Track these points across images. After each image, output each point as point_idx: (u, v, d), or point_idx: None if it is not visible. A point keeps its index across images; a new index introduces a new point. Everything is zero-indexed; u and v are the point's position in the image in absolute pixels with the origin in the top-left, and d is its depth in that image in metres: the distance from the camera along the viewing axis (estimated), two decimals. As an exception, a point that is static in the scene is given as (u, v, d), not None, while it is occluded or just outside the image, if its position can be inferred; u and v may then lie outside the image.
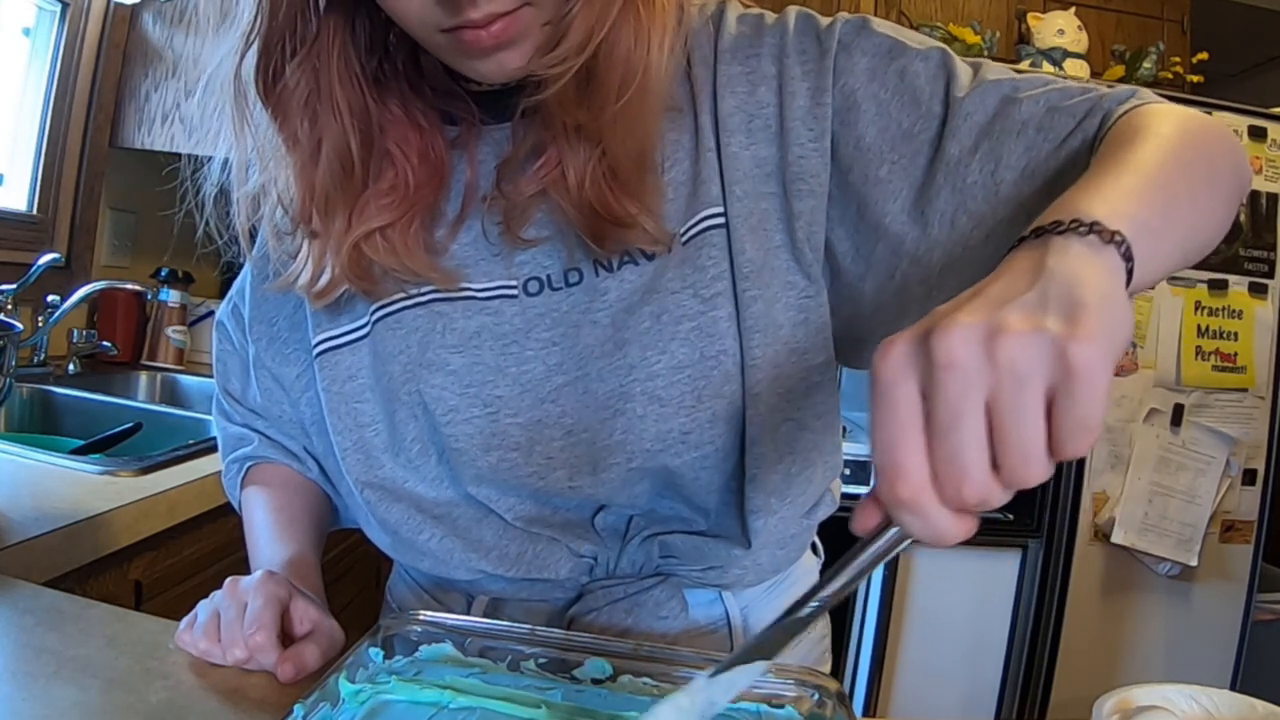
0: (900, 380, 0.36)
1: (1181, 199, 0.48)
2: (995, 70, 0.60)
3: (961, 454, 0.34)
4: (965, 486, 0.35)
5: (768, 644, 0.42)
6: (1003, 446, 0.34)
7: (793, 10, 0.64)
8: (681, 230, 0.62)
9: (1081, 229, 0.40)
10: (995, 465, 0.35)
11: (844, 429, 0.72)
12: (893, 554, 0.39)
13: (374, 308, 0.66)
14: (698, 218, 0.62)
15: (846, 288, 0.64)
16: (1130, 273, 0.40)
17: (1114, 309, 0.36)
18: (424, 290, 0.65)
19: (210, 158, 0.66)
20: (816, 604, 0.41)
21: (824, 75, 0.60)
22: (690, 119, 0.63)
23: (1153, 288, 2.30)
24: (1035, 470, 0.34)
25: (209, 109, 0.63)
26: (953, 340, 0.35)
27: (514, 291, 0.64)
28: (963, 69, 0.60)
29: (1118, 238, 0.40)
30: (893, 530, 0.38)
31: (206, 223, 0.66)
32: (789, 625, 0.42)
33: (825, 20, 0.63)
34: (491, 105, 0.64)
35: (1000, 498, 0.35)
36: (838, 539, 0.55)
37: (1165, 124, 0.51)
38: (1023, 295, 0.36)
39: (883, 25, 0.62)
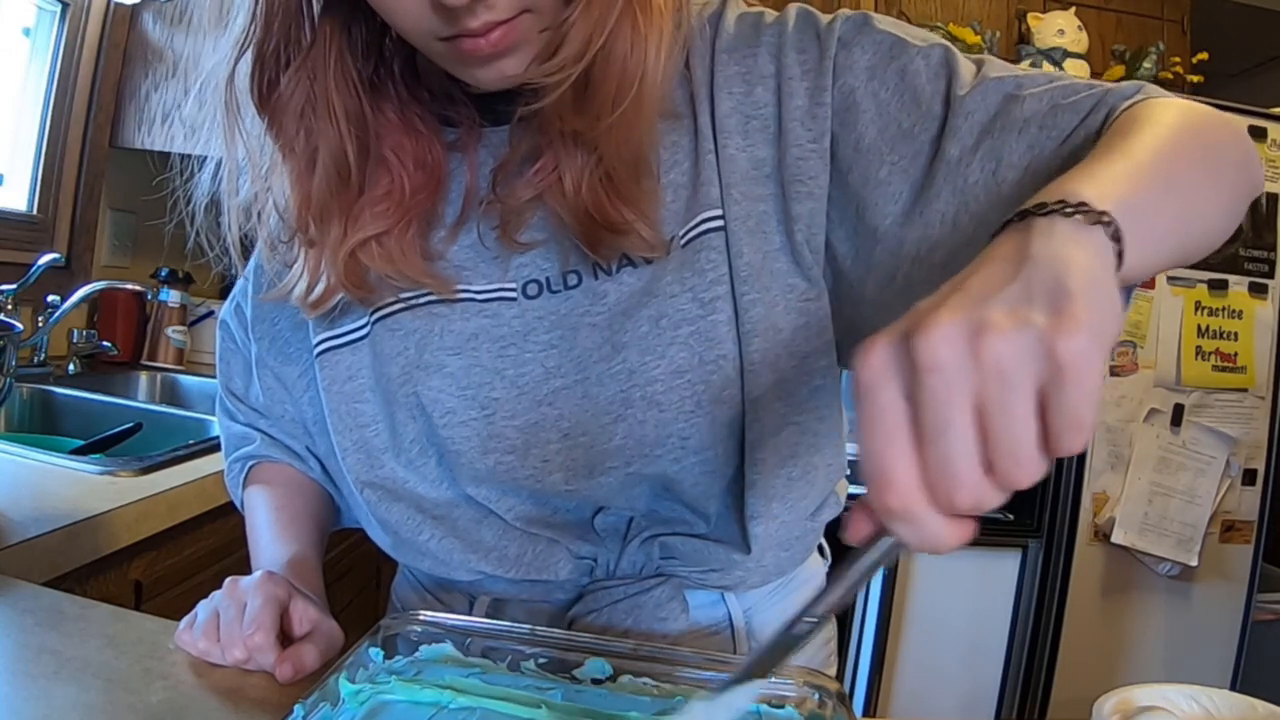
0: (883, 384, 0.34)
1: (1178, 187, 0.46)
2: (999, 67, 0.58)
3: (952, 460, 0.33)
4: (957, 492, 0.33)
5: (764, 662, 0.42)
6: (994, 449, 0.33)
7: (794, 7, 0.63)
8: (681, 233, 0.61)
9: (1067, 209, 0.38)
10: (987, 467, 0.33)
11: (848, 427, 0.71)
12: (888, 561, 0.38)
13: (372, 310, 0.66)
14: (697, 220, 0.61)
15: (848, 290, 0.63)
16: (1120, 256, 0.39)
17: (1102, 294, 0.35)
18: (421, 294, 0.65)
19: (202, 165, 0.65)
20: (813, 619, 0.40)
21: (823, 74, 0.59)
22: (690, 121, 0.62)
23: (1151, 284, 2.27)
24: (1028, 471, 0.33)
25: (202, 115, 0.62)
26: (935, 341, 0.33)
27: (513, 294, 0.64)
28: (965, 66, 0.58)
29: (1105, 218, 0.38)
30: (887, 539, 0.36)
31: (197, 233, 0.66)
32: (785, 641, 0.41)
33: (826, 18, 0.61)
34: (490, 108, 0.63)
35: (995, 500, 0.34)
36: (837, 539, 0.55)
37: (1166, 114, 0.50)
38: (1006, 287, 0.35)
39: (885, 22, 0.60)
